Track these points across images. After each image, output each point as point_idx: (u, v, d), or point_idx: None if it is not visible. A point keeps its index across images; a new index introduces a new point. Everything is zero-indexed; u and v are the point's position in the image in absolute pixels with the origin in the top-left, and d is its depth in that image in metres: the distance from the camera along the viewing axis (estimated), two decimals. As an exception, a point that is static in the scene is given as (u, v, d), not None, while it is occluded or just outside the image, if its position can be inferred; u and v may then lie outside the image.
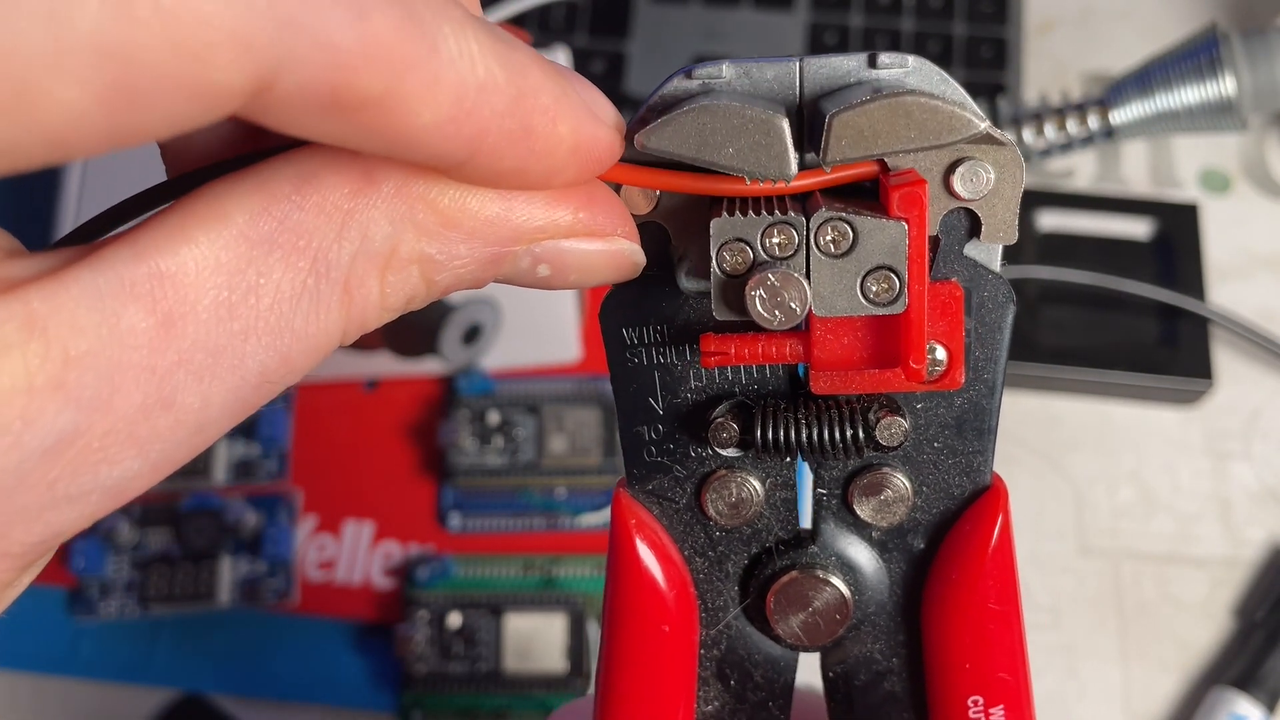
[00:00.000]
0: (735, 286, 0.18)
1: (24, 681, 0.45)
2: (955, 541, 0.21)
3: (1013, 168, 0.19)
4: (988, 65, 0.55)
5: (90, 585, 0.45)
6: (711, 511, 0.21)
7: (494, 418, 0.46)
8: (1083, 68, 0.57)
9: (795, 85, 0.19)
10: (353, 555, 0.46)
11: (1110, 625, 0.45)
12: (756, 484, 0.21)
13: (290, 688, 0.44)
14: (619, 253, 0.18)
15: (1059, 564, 0.46)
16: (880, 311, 0.18)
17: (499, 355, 0.48)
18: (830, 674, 0.22)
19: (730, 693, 0.22)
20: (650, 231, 0.20)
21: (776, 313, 0.18)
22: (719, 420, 0.20)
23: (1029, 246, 0.50)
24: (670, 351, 0.21)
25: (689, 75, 0.19)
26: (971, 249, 0.20)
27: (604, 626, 0.22)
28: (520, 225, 0.17)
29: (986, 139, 0.19)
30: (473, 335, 0.46)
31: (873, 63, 0.19)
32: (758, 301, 0.18)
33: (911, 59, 0.19)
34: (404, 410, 0.49)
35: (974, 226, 0.20)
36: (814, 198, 0.19)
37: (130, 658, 0.45)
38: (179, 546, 0.45)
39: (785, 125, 0.18)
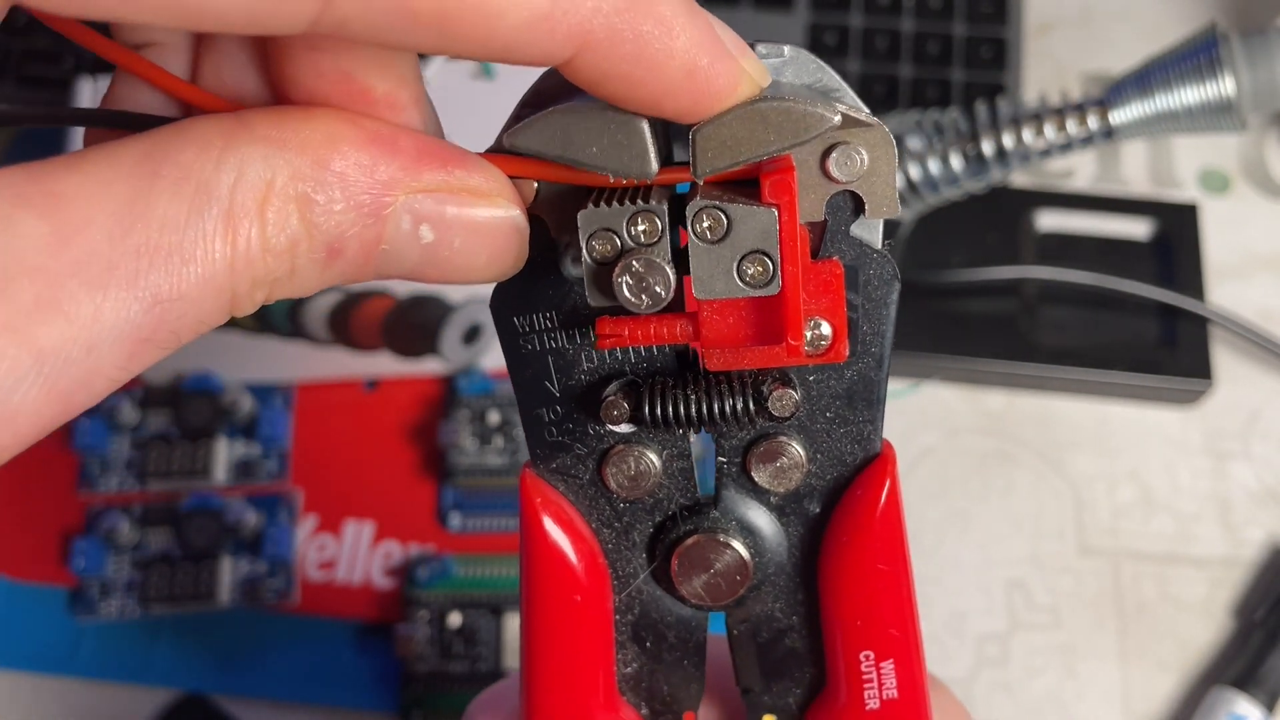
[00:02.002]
0: (606, 274, 0.20)
1: (24, 681, 0.45)
2: (847, 506, 0.22)
3: (884, 146, 0.20)
4: (987, 66, 0.55)
5: (91, 585, 0.45)
6: (613, 485, 0.22)
7: (494, 417, 0.46)
8: (1082, 68, 0.57)
9: None
10: (353, 555, 0.46)
11: (1110, 625, 0.45)
12: (653, 457, 0.22)
13: (290, 688, 0.45)
14: (502, 219, 0.19)
15: (1058, 564, 0.46)
16: (757, 293, 0.19)
17: (499, 355, 0.48)
18: (734, 631, 0.24)
19: (647, 654, 0.24)
20: (533, 223, 0.20)
21: (643, 297, 0.19)
22: (610, 399, 0.21)
23: (1028, 247, 0.50)
24: (561, 336, 0.22)
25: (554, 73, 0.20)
26: (857, 228, 0.21)
27: (521, 603, 0.23)
28: (393, 173, 0.18)
29: (855, 123, 0.20)
30: (473, 335, 0.46)
31: (751, 48, 0.20)
32: (625, 288, 0.19)
33: (788, 48, 0.20)
34: (404, 410, 0.49)
35: (858, 206, 0.21)
36: (695, 186, 0.20)
37: (131, 658, 0.45)
38: (179, 546, 0.45)
39: (645, 125, 0.19)
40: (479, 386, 0.47)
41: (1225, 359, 0.49)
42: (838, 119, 0.19)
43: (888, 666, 0.23)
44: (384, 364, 0.48)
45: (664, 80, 0.18)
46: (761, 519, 0.23)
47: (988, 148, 0.44)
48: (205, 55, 0.21)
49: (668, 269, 0.19)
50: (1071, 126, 0.44)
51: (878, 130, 0.20)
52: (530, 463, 0.23)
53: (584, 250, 0.20)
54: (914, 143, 0.44)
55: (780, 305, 0.19)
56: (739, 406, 0.21)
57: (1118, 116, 0.44)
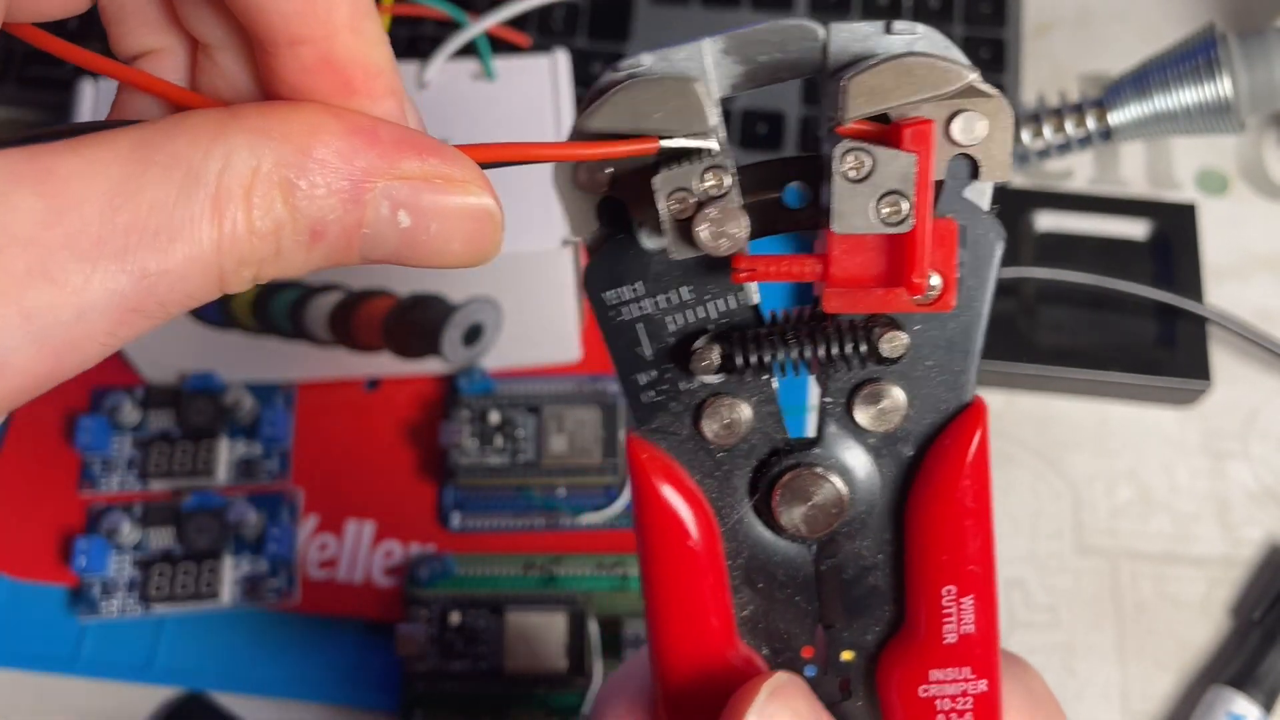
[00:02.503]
0: (685, 227, 0.21)
1: (27, 680, 0.45)
2: (940, 449, 0.24)
3: (1002, 115, 0.22)
4: (986, 66, 0.55)
5: (93, 584, 0.45)
6: (709, 435, 0.24)
7: (495, 417, 0.47)
8: (1081, 69, 0.57)
9: (703, 64, 0.22)
10: (354, 554, 0.47)
11: (1108, 624, 0.45)
12: (744, 405, 0.24)
13: (292, 686, 0.45)
14: (475, 205, 0.20)
15: (1057, 563, 0.46)
16: (890, 230, 0.21)
17: (500, 355, 0.48)
18: (822, 568, 0.25)
19: (761, 595, 0.25)
20: (611, 205, 0.22)
21: (721, 240, 0.21)
22: (699, 349, 0.23)
23: (1027, 247, 0.50)
24: (648, 303, 0.23)
25: (615, 68, 0.22)
26: (969, 191, 0.23)
27: (640, 560, 0.24)
28: (372, 161, 0.19)
29: (978, 93, 0.21)
30: (473, 336, 0.46)
31: (888, 29, 0.22)
32: (704, 233, 0.21)
33: (921, 27, 0.22)
34: (405, 410, 0.49)
35: (974, 170, 0.22)
36: (835, 133, 0.21)
37: (132, 656, 0.45)
38: (181, 545, 0.45)
39: (699, 87, 0.21)
40: (480, 386, 0.47)
41: (1223, 359, 0.50)
42: (973, 75, 0.21)
43: (967, 602, 0.24)
44: (385, 364, 0.48)
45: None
46: (858, 458, 0.24)
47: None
48: (201, 63, 0.22)
49: (742, 215, 0.21)
50: (1070, 127, 0.44)
51: (997, 101, 0.22)
52: (633, 428, 0.24)
53: (662, 208, 0.21)
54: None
55: (907, 245, 0.21)
56: (852, 348, 0.22)
57: (1116, 117, 0.44)
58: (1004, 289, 0.49)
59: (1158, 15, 0.58)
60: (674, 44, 0.22)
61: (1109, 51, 0.57)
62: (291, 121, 0.19)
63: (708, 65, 0.22)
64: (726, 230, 0.21)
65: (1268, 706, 0.43)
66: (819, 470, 0.24)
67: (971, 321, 0.23)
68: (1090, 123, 0.44)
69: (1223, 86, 0.44)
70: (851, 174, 0.21)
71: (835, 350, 0.22)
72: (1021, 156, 0.45)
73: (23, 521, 0.47)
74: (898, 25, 0.22)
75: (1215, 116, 0.45)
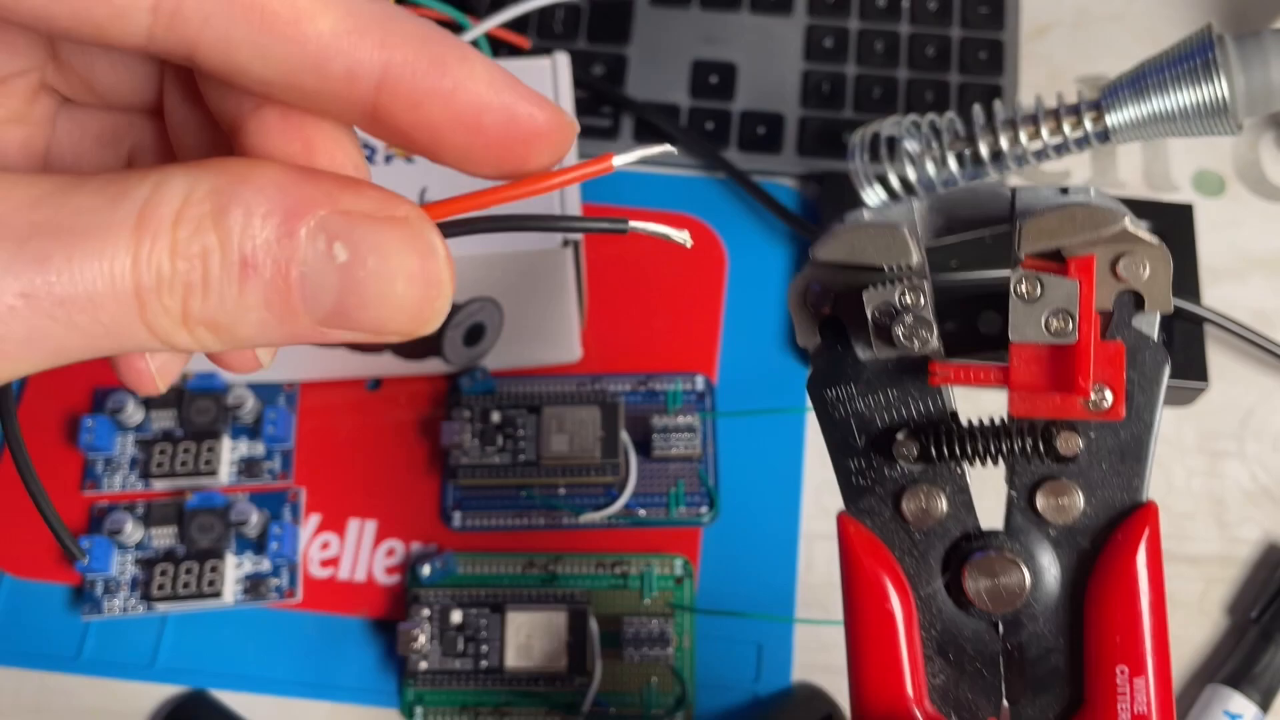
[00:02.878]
0: (886, 332, 0.27)
1: (30, 678, 0.45)
2: (1115, 544, 0.27)
3: (1162, 259, 0.26)
4: (983, 68, 0.55)
5: (95, 582, 0.45)
6: (909, 516, 0.28)
7: (496, 417, 0.47)
8: (1078, 70, 0.57)
9: (913, 216, 0.27)
10: (356, 553, 0.47)
11: (1105, 622, 0.46)
12: (939, 492, 0.27)
13: (294, 684, 0.45)
14: (419, 240, 0.19)
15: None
16: (1057, 341, 0.25)
17: (501, 356, 0.48)
18: (1007, 646, 0.28)
19: (951, 666, 0.28)
20: (831, 323, 0.28)
21: (914, 341, 0.26)
22: (901, 441, 0.27)
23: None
24: (859, 402, 0.28)
25: (843, 217, 0.27)
26: (1137, 321, 0.27)
27: (846, 625, 0.28)
28: (310, 192, 0.18)
29: (1140, 241, 0.26)
30: (475, 336, 0.47)
31: (1063, 191, 0.27)
32: (900, 333, 0.26)
33: (1093, 189, 0.27)
34: (407, 410, 0.49)
35: (1139, 303, 0.27)
36: (1019, 259, 0.26)
37: (135, 655, 0.45)
38: (184, 544, 0.46)
39: (905, 230, 0.26)
40: (481, 386, 0.48)
41: (1220, 359, 0.50)
42: (1126, 220, 0.25)
43: (1140, 683, 0.26)
44: (387, 364, 0.48)
45: (476, 105, 0.19)
46: (1041, 547, 0.27)
47: (984, 150, 0.44)
48: (173, 133, 0.22)
49: (931, 321, 0.26)
50: (1067, 129, 0.44)
51: (1159, 249, 0.26)
52: (845, 509, 0.28)
53: (869, 316, 0.26)
54: (911, 145, 0.45)
55: (1075, 355, 0.25)
56: (1031, 445, 0.26)
57: (1113, 119, 0.45)
58: (1002, 289, 0.49)
59: (1155, 17, 0.58)
60: (887, 203, 0.27)
61: (1106, 53, 0.57)
62: (232, 159, 0.18)
63: (917, 218, 0.27)
64: (918, 333, 0.26)
65: (1264, 705, 0.43)
66: (1005, 554, 0.27)
67: (1142, 431, 0.27)
68: (1087, 124, 0.45)
69: (1219, 88, 0.44)
70: (1025, 295, 0.26)
71: (1018, 446, 0.26)
72: (1019, 158, 0.45)
73: (26, 520, 0.47)
74: (1072, 188, 0.27)
75: (1212, 118, 0.45)
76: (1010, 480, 0.27)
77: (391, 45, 0.18)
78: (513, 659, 0.43)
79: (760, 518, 0.47)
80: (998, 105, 0.45)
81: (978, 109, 0.45)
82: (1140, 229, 0.26)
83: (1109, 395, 0.26)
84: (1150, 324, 0.27)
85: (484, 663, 0.43)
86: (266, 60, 0.18)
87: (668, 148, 0.22)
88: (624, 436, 0.46)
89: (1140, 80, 0.45)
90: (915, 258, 0.27)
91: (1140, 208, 0.51)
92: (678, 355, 0.50)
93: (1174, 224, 0.51)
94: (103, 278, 0.17)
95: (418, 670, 0.43)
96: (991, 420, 0.27)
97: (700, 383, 0.49)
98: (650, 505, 0.47)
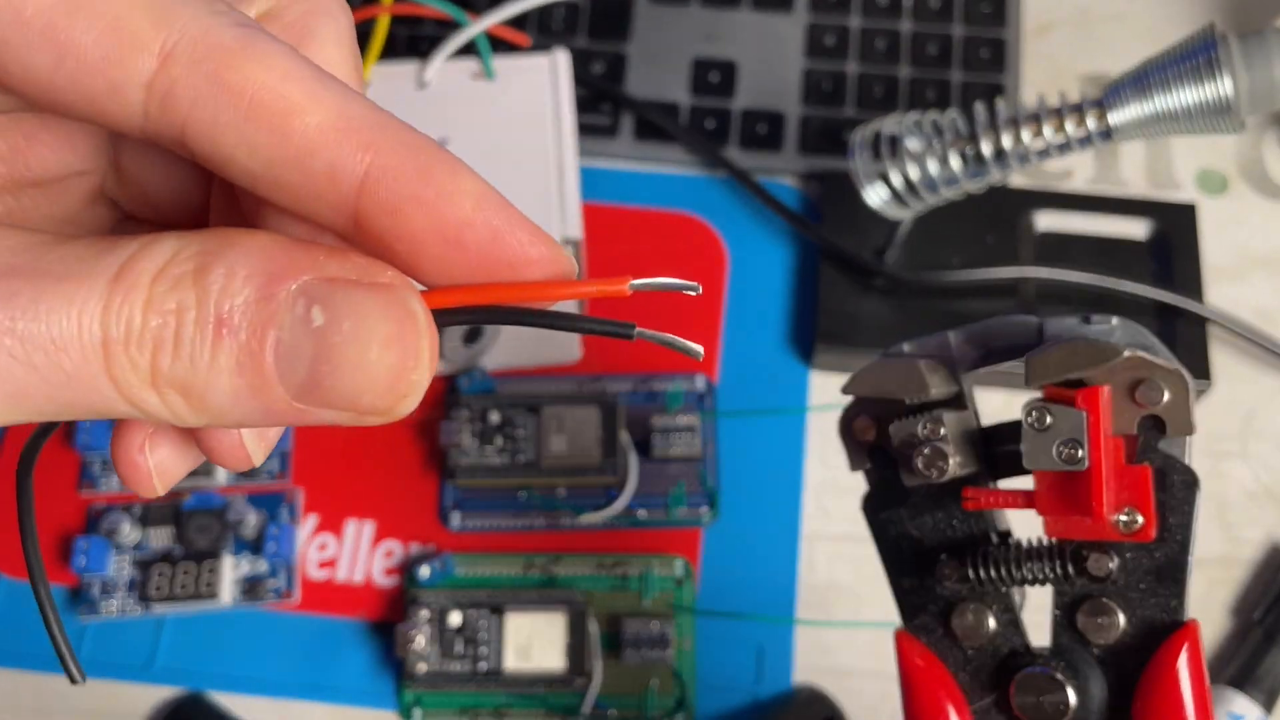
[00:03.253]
0: (911, 459, 0.28)
1: (26, 680, 0.45)
2: (1157, 664, 0.28)
3: (1181, 385, 0.27)
4: (986, 66, 0.55)
5: (92, 584, 0.45)
6: (959, 633, 0.29)
7: (495, 418, 0.47)
8: (1080, 69, 0.57)
9: (950, 349, 0.29)
10: (354, 554, 0.47)
11: (1108, 624, 0.45)
12: (986, 611, 0.29)
13: (292, 686, 0.45)
14: (394, 299, 0.18)
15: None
16: (1068, 469, 0.26)
17: (500, 356, 0.48)
18: None
19: None
20: (880, 453, 0.30)
21: (933, 470, 0.28)
22: (943, 563, 0.29)
23: (1027, 247, 0.51)
24: (909, 524, 0.30)
25: (885, 351, 0.30)
26: (1164, 444, 0.27)
27: None
28: (296, 258, 0.18)
29: (1158, 367, 0.26)
30: (473, 336, 0.46)
31: (1086, 320, 0.28)
32: (920, 465, 0.28)
33: (1115, 318, 0.28)
34: (405, 410, 0.49)
35: (1162, 427, 0.27)
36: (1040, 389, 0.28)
37: (132, 656, 0.45)
38: (181, 545, 0.45)
39: (921, 365, 0.29)
40: (480, 386, 0.47)
41: (1223, 359, 0.50)
42: (1126, 353, 0.26)
43: None
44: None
45: (452, 208, 0.18)
46: (1086, 665, 0.28)
47: (986, 148, 0.44)
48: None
49: (947, 451, 0.28)
50: (1070, 127, 0.44)
51: (1178, 374, 0.27)
52: (902, 625, 0.30)
53: (895, 442, 0.29)
54: (913, 144, 0.44)
55: (1090, 481, 0.26)
56: (1065, 566, 0.27)
57: (1115, 117, 0.44)
58: (1004, 289, 0.49)
59: (1157, 15, 0.58)
60: (920, 336, 0.30)
61: (1109, 52, 0.57)
62: (226, 228, 0.18)
63: (954, 348, 0.29)
64: (935, 464, 0.28)
65: (1268, 706, 0.43)
66: (1050, 673, 0.28)
67: (1177, 552, 0.27)
68: (1090, 123, 0.44)
69: (1222, 86, 0.44)
70: (1035, 425, 0.27)
71: (1052, 568, 0.27)
72: (1021, 157, 0.45)
73: (22, 521, 0.47)
74: (1095, 317, 0.28)
75: (1215, 116, 0.45)
76: (1055, 599, 0.28)
77: (377, 148, 0.18)
78: (512, 661, 0.43)
79: (760, 518, 0.47)
80: (1000, 104, 0.45)
81: (980, 107, 0.45)
82: (1157, 356, 0.27)
83: (1139, 518, 0.26)
84: (1178, 446, 0.27)
85: (483, 664, 0.43)
86: (252, 150, 0.17)
87: (694, 286, 0.21)
88: (624, 437, 0.46)
89: (1143, 78, 0.45)
90: (934, 391, 0.29)
91: (1143, 207, 0.51)
92: (678, 355, 0.50)
93: (1177, 223, 0.51)
94: (69, 321, 0.16)
95: (416, 672, 0.43)
96: (1032, 541, 0.28)
97: (700, 383, 0.49)
98: (650, 506, 0.46)
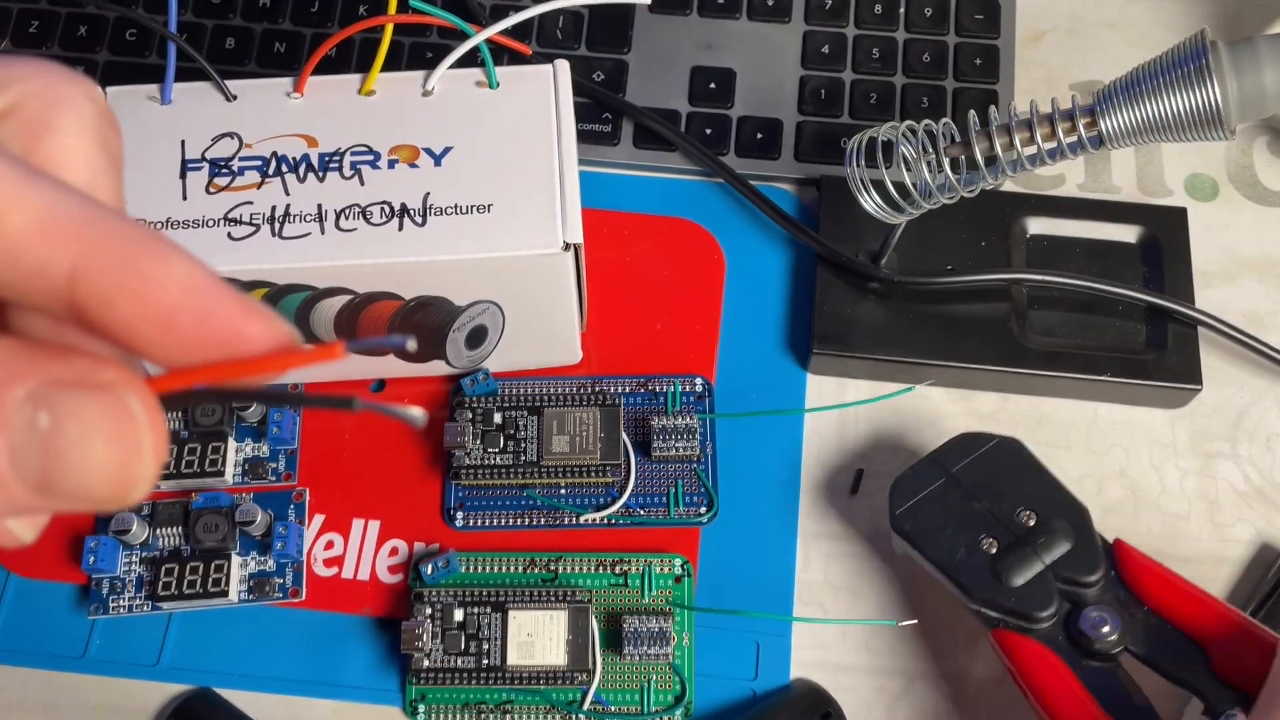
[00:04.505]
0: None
1: (36, 677, 0.46)
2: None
3: None
4: (979, 74, 0.56)
5: (102, 582, 0.46)
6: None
7: (498, 418, 0.47)
8: (1072, 76, 0.58)
9: None
10: (359, 552, 0.47)
11: (1100, 621, 0.46)
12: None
13: (298, 682, 0.45)
14: (114, 399, 0.19)
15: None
16: None
17: (503, 358, 0.49)
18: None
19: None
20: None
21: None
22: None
23: (1019, 251, 0.51)
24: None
25: None
26: None
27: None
28: (21, 363, 0.18)
29: None
30: (477, 338, 0.47)
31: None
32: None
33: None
34: (409, 411, 0.49)
35: None
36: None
37: (141, 654, 0.46)
38: (189, 544, 0.46)
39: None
40: (483, 388, 0.48)
41: (1213, 361, 0.50)
42: None
43: None
44: (391, 366, 0.49)
45: (161, 298, 0.19)
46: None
47: (979, 155, 0.44)
48: None
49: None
50: (1061, 134, 0.45)
51: None
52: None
53: None
54: (907, 150, 0.45)
55: None
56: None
57: (1107, 124, 0.45)
58: (996, 293, 0.50)
59: (1149, 23, 0.59)
60: None
61: (1100, 59, 0.58)
62: None
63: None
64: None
65: (1256, 701, 0.43)
66: None
67: None
68: (1081, 129, 0.45)
69: (1213, 94, 0.45)
70: None
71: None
72: (1014, 163, 0.45)
73: (33, 521, 0.48)
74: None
75: (1205, 124, 0.45)
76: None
77: (83, 243, 0.18)
78: (514, 657, 0.44)
79: (759, 517, 0.48)
80: (993, 111, 0.46)
81: (973, 114, 0.46)
82: None
83: None
84: None
85: (486, 661, 0.44)
86: None
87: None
88: (624, 437, 0.47)
89: (1134, 86, 0.46)
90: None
91: (1134, 211, 0.52)
92: (677, 357, 0.51)
93: (1167, 227, 0.51)
94: None
95: (420, 668, 0.44)
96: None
97: (699, 384, 0.49)
98: (650, 505, 0.47)
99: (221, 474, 0.47)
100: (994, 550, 0.42)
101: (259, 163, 0.43)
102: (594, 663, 0.44)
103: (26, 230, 0.18)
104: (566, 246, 0.42)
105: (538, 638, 0.44)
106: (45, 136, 0.21)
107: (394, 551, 0.47)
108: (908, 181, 0.45)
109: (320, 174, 0.43)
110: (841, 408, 0.50)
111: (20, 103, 0.21)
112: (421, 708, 0.44)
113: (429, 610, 0.44)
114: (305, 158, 0.43)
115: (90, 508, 0.19)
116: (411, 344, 0.20)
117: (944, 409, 0.50)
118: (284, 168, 0.43)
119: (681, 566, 0.46)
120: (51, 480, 0.18)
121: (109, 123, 0.22)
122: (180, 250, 0.19)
